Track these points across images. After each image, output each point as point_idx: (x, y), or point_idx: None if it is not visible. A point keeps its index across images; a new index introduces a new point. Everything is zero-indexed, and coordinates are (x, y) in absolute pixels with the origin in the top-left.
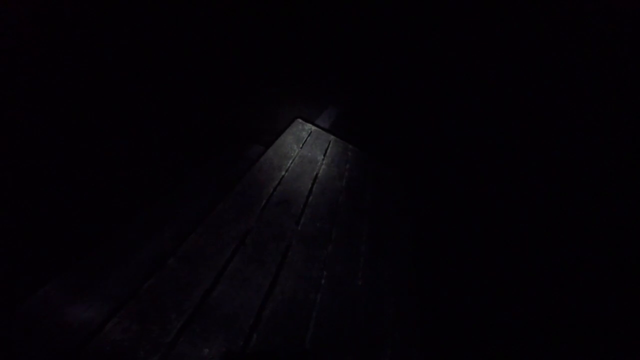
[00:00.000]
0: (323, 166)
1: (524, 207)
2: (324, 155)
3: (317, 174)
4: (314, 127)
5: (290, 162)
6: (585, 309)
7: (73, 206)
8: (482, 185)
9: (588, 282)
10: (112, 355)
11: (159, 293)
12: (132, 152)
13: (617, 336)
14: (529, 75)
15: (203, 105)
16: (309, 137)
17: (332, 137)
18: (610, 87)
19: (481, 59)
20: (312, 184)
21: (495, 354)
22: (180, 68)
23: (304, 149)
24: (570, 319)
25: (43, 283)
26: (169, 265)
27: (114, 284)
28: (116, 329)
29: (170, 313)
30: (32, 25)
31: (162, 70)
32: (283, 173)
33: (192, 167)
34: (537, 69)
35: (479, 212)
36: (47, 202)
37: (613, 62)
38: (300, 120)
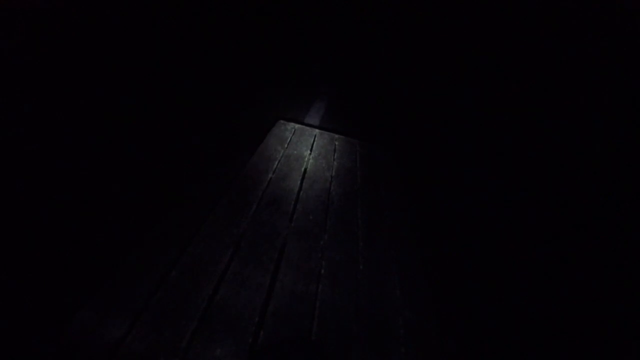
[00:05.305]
0: (310, 160)
1: (529, 200)
2: (311, 150)
3: (305, 169)
4: (297, 125)
5: (276, 163)
6: (586, 309)
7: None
8: (477, 162)
9: (590, 282)
10: None
11: (166, 303)
12: (123, 184)
13: (617, 336)
14: (534, 63)
15: (188, 126)
16: (293, 136)
17: (316, 130)
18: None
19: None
20: (302, 180)
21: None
22: (160, 87)
23: (289, 148)
24: (577, 318)
25: (75, 308)
26: (172, 278)
27: (130, 299)
28: (135, 339)
29: (180, 320)
30: (32, 24)
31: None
32: (270, 175)
33: (185, 186)
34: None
35: (475, 188)
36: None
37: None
38: (282, 121)
